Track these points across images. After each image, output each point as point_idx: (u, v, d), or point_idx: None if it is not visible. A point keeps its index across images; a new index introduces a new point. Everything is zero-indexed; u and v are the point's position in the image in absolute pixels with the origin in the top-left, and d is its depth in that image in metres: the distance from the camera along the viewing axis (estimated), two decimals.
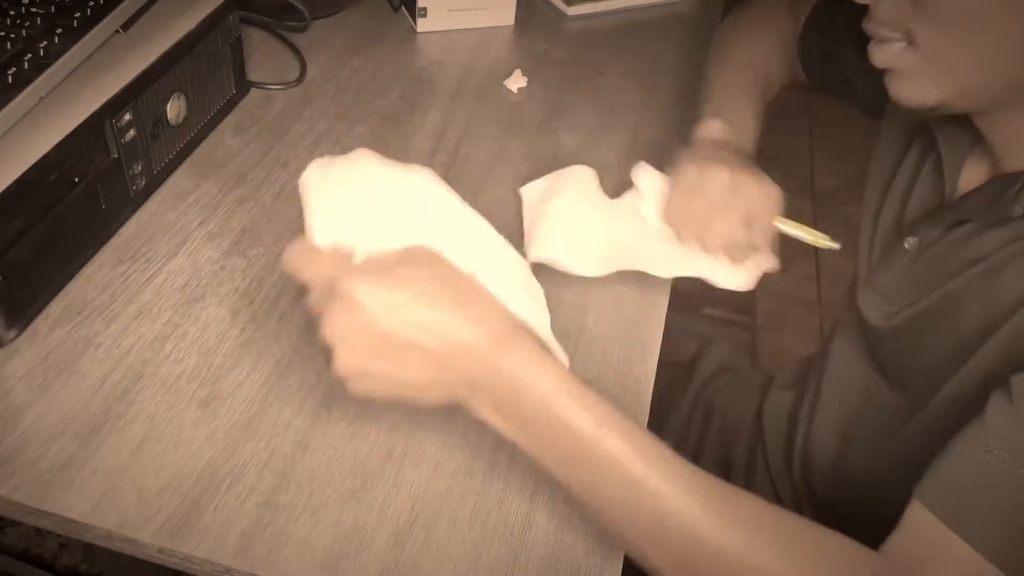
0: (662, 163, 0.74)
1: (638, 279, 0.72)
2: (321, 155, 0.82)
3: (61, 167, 0.63)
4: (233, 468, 0.57)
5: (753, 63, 0.83)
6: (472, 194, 0.80)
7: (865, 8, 0.57)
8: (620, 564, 0.55)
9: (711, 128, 0.76)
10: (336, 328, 0.48)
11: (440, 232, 0.52)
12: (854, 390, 0.74)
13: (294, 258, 0.51)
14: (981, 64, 0.53)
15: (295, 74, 0.93)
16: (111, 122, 0.67)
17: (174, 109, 0.76)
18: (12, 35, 0.65)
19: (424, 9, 1.02)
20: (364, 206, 0.52)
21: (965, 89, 0.55)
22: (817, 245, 0.70)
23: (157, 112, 0.73)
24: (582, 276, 0.71)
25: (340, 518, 0.55)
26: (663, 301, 0.72)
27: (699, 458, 0.85)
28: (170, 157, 0.78)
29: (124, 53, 0.71)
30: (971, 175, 0.63)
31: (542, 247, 0.71)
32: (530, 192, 0.77)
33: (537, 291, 0.57)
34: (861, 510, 0.57)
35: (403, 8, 1.06)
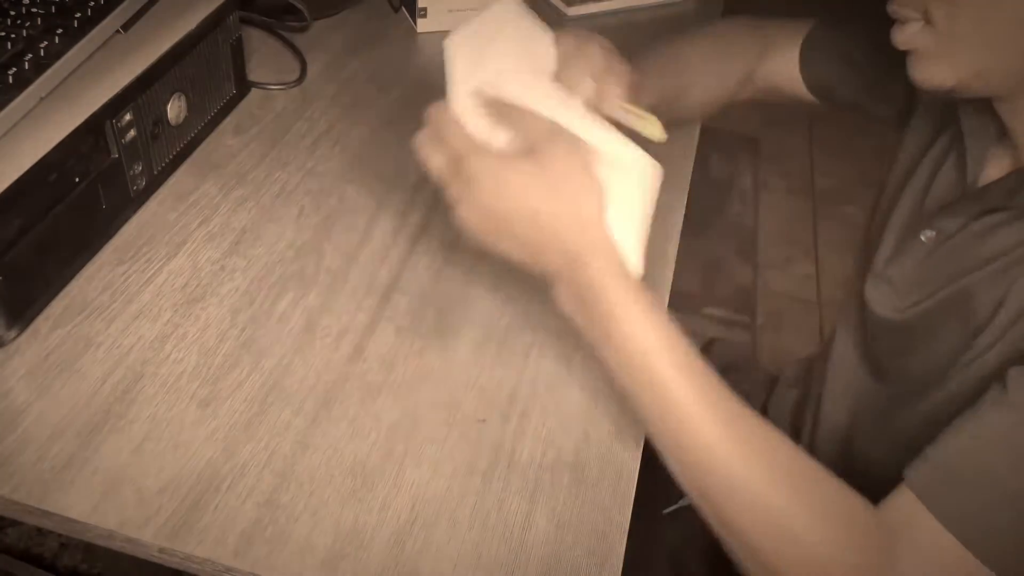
0: (662, 160, 0.73)
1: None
2: (321, 155, 0.83)
3: (61, 167, 0.63)
4: (233, 468, 0.57)
5: (678, 61, 0.82)
6: None
7: None
8: (620, 564, 0.55)
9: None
10: (460, 195, 0.54)
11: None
12: (856, 386, 0.74)
13: (435, 121, 0.56)
14: (997, 44, 0.54)
15: (295, 74, 0.93)
16: (111, 122, 0.67)
17: (174, 109, 0.76)
18: (12, 35, 0.65)
19: (424, 9, 1.02)
20: (505, 66, 0.55)
21: (982, 70, 0.55)
22: (644, 133, 0.60)
23: (157, 112, 0.74)
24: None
25: (340, 518, 0.55)
26: (663, 300, 0.72)
27: None
28: (170, 157, 0.78)
29: (124, 53, 0.71)
30: (994, 169, 0.62)
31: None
32: (459, 44, 0.60)
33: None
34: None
35: (403, 8, 1.06)
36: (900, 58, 0.76)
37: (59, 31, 0.66)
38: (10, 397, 0.59)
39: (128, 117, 0.69)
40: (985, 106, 0.61)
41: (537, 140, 0.53)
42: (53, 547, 1.27)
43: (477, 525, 0.56)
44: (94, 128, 0.66)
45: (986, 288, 0.58)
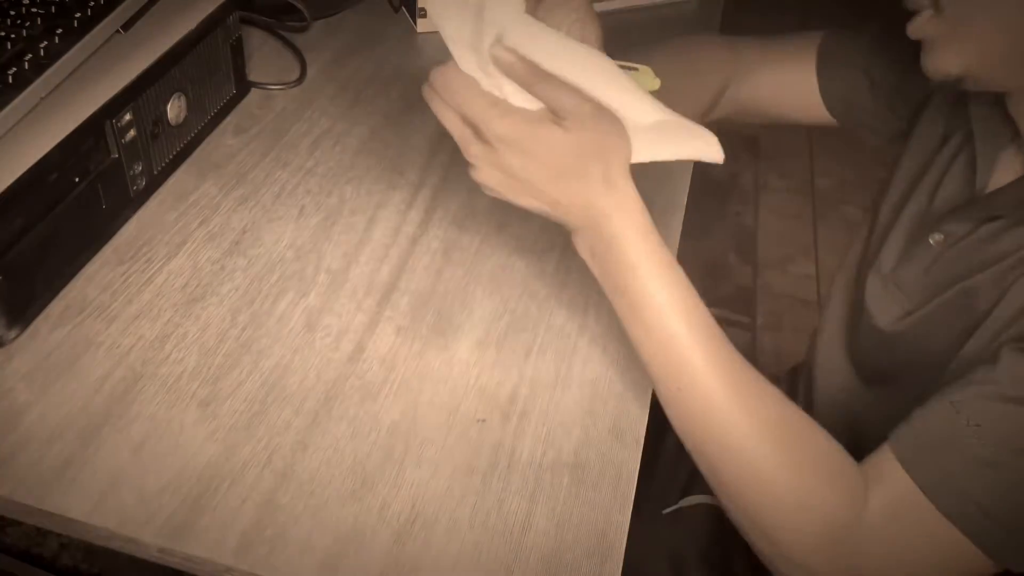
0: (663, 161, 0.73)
1: None
2: (321, 155, 0.83)
3: (61, 167, 0.63)
4: (233, 468, 0.57)
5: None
6: (471, 194, 0.80)
7: None
8: (620, 564, 0.55)
9: None
10: (483, 156, 0.53)
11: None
12: (848, 392, 0.74)
13: (445, 84, 0.53)
14: (1003, 32, 0.54)
15: (295, 74, 0.93)
16: (111, 122, 0.67)
17: (174, 109, 0.76)
18: (12, 35, 0.65)
19: (424, 9, 1.02)
20: (502, 19, 0.52)
21: (988, 59, 0.55)
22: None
23: (157, 112, 0.74)
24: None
25: (340, 518, 0.55)
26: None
27: None
28: (170, 157, 0.78)
29: (124, 53, 0.71)
30: (1004, 172, 0.62)
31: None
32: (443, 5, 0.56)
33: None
34: None
35: (403, 8, 1.06)
36: (909, 70, 0.76)
37: (59, 31, 0.66)
38: (10, 397, 0.59)
39: (128, 117, 0.69)
40: (997, 109, 0.61)
41: (561, 100, 0.52)
42: (53, 547, 1.27)
43: (477, 525, 0.56)
44: (94, 128, 0.66)
45: (987, 289, 0.58)
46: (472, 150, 0.53)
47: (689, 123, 0.54)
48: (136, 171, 0.72)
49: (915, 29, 0.58)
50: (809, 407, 0.78)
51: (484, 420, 0.62)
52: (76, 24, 0.67)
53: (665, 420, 0.57)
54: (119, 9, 0.71)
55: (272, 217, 0.76)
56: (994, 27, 0.54)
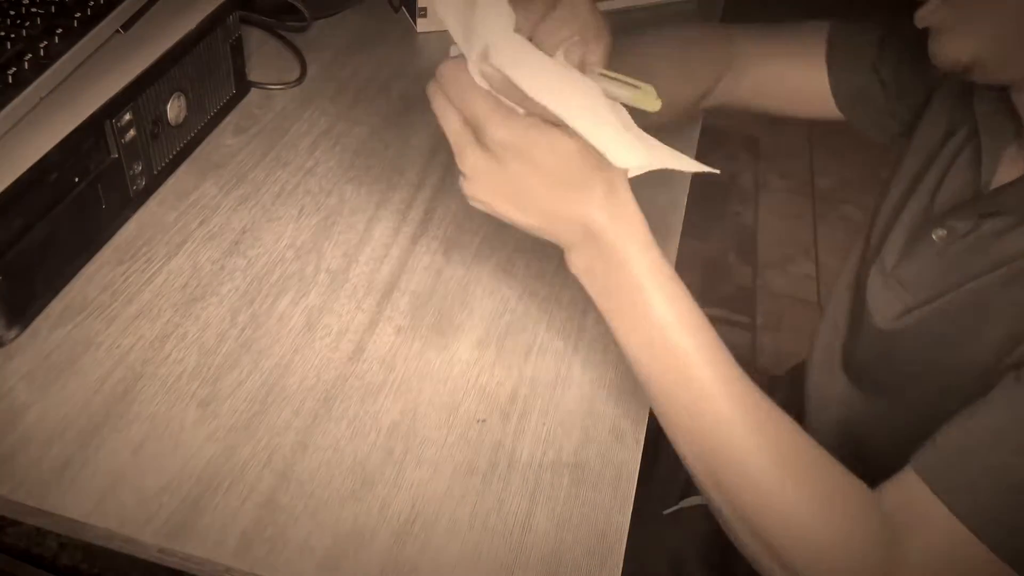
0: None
1: None
2: (321, 155, 0.83)
3: (61, 167, 0.63)
4: (233, 468, 0.57)
5: (644, 56, 0.76)
6: None
7: None
8: (620, 564, 0.55)
9: None
10: (478, 163, 0.51)
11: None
12: (837, 394, 0.74)
13: (454, 79, 0.50)
14: (1013, 19, 0.54)
15: (295, 74, 0.93)
16: (111, 122, 0.67)
17: (174, 109, 0.76)
18: (12, 35, 0.65)
19: (424, 9, 1.02)
20: (492, 31, 0.50)
21: (997, 47, 0.55)
22: (635, 103, 0.55)
23: (157, 112, 0.73)
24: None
25: (340, 518, 0.55)
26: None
27: None
28: (170, 157, 0.78)
29: (124, 53, 0.71)
30: (1009, 168, 0.62)
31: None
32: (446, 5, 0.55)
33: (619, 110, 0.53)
34: None
35: (403, 8, 1.06)
36: (915, 67, 0.75)
37: (59, 31, 0.66)
38: (10, 397, 0.59)
39: (128, 117, 0.69)
40: (1001, 104, 0.61)
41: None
42: (52, 547, 1.27)
43: (477, 525, 0.56)
44: (94, 128, 0.66)
45: (997, 293, 0.58)
46: (468, 156, 0.51)
47: (671, 153, 0.51)
48: (136, 171, 0.72)
49: (923, 16, 0.57)
50: (803, 412, 0.78)
51: (484, 420, 0.62)
52: (76, 24, 0.67)
53: None
54: (119, 9, 0.71)
55: (272, 217, 0.76)
56: (1004, 14, 0.54)
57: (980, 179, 0.63)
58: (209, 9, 0.78)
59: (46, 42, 0.65)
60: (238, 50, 0.85)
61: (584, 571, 0.54)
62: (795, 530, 0.51)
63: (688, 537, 0.81)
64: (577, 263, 0.53)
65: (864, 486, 0.52)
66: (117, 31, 0.72)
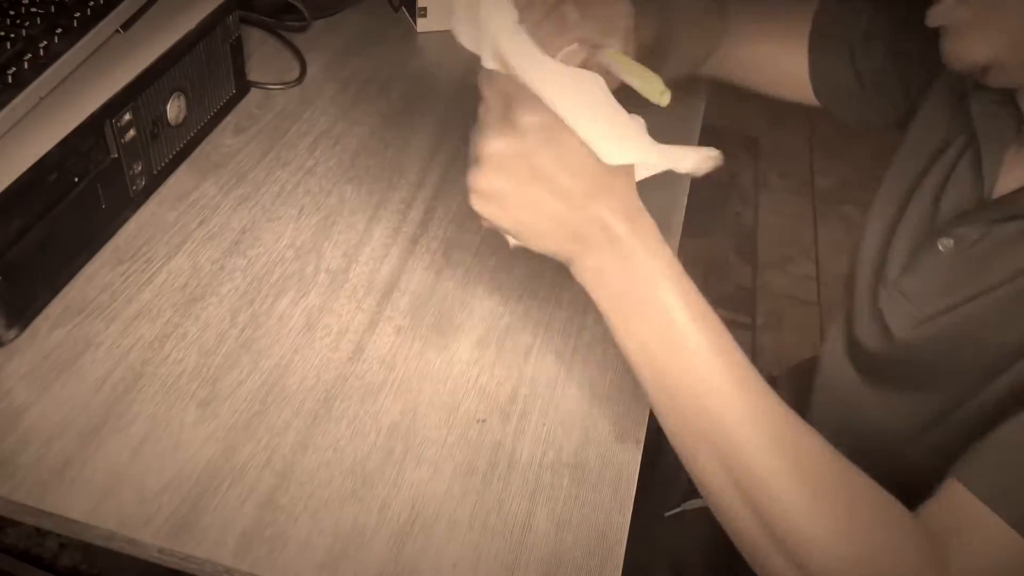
0: None
1: None
2: (321, 155, 0.83)
3: (61, 167, 0.63)
4: (233, 468, 0.57)
5: (667, 9, 0.74)
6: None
7: None
8: (620, 565, 0.55)
9: None
10: (493, 146, 0.49)
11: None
12: (845, 396, 0.73)
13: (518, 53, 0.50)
14: None
15: (295, 74, 0.93)
16: (111, 122, 0.67)
17: (174, 109, 0.76)
18: (12, 35, 0.65)
19: (424, 9, 1.02)
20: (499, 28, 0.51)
21: (1014, 44, 0.53)
22: (644, 93, 0.55)
23: (157, 112, 0.73)
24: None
25: (340, 518, 0.55)
26: None
27: None
28: (170, 157, 0.78)
29: (124, 53, 0.71)
30: (1012, 172, 0.61)
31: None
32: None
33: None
34: None
35: (403, 8, 1.06)
36: (904, 56, 0.75)
37: (58, 31, 0.66)
38: (10, 397, 0.59)
39: (127, 117, 0.69)
40: (1002, 107, 0.60)
41: None
42: (53, 547, 1.27)
43: (477, 525, 0.56)
44: (94, 128, 0.66)
45: (1019, 302, 0.57)
46: (494, 135, 0.49)
47: (673, 154, 0.52)
48: (136, 171, 0.72)
49: (939, 14, 0.55)
50: (808, 400, 0.78)
51: (484, 420, 0.62)
52: (76, 24, 0.67)
53: None
54: (119, 9, 0.71)
55: (272, 217, 0.76)
56: None
57: (983, 185, 0.62)
58: (209, 9, 0.78)
59: (46, 42, 0.65)
60: (238, 50, 0.85)
61: (584, 572, 0.54)
62: (837, 553, 0.48)
63: (690, 540, 0.81)
64: (588, 264, 0.51)
65: (899, 504, 0.50)
66: (117, 31, 0.72)
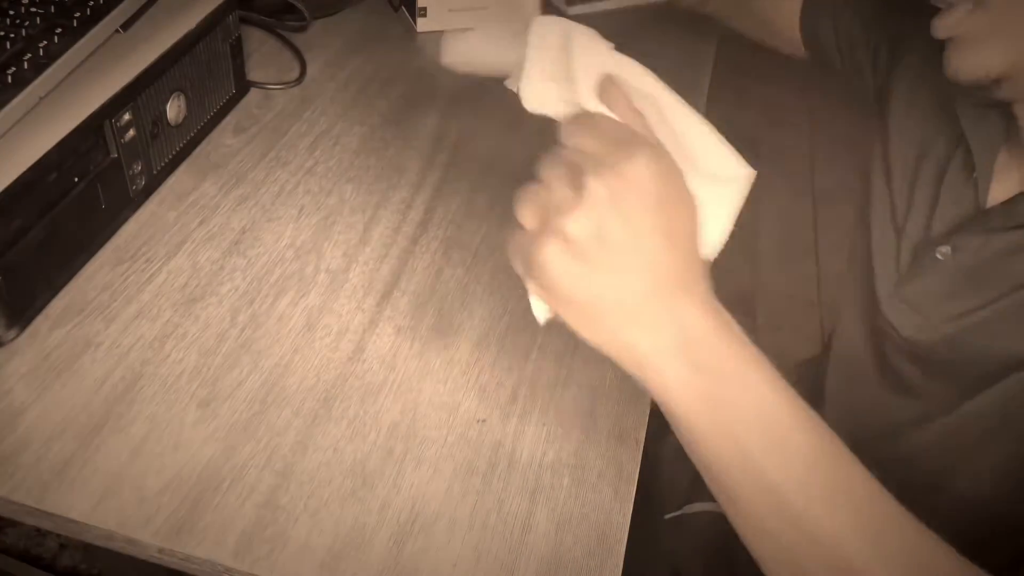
0: None
1: None
2: (321, 155, 0.83)
3: (61, 167, 0.63)
4: (233, 468, 0.57)
5: None
6: (472, 193, 0.80)
7: None
8: (620, 566, 0.55)
9: None
10: (597, 191, 0.41)
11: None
12: (858, 394, 0.73)
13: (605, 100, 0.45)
14: None
15: (295, 74, 0.93)
16: (111, 122, 0.67)
17: (174, 109, 0.76)
18: (12, 35, 0.65)
19: (424, 9, 1.02)
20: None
21: None
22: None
23: (157, 112, 0.73)
24: None
25: (340, 518, 0.55)
26: None
27: None
28: (170, 157, 0.78)
29: (124, 53, 0.71)
30: (1003, 178, 0.60)
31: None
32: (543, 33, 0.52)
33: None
34: None
35: (403, 8, 1.06)
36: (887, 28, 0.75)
37: (58, 31, 0.66)
38: (10, 397, 0.59)
39: (127, 117, 0.69)
40: (988, 110, 0.59)
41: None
42: (52, 547, 1.27)
43: (477, 525, 0.56)
44: (93, 128, 0.66)
45: (1019, 316, 0.56)
46: (596, 180, 0.41)
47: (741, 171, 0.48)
48: (135, 171, 0.72)
49: (948, 26, 0.54)
50: (819, 399, 0.77)
51: (484, 420, 0.62)
52: (75, 24, 0.67)
53: (666, 423, 0.52)
54: (118, 9, 0.71)
55: (272, 217, 0.76)
56: None
57: (977, 192, 0.61)
58: (209, 9, 0.78)
59: (45, 42, 0.65)
60: (238, 50, 0.85)
61: (584, 572, 0.54)
62: None
63: (690, 544, 0.81)
64: (664, 368, 0.44)
65: None
66: (116, 31, 0.72)
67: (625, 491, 0.59)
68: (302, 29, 0.99)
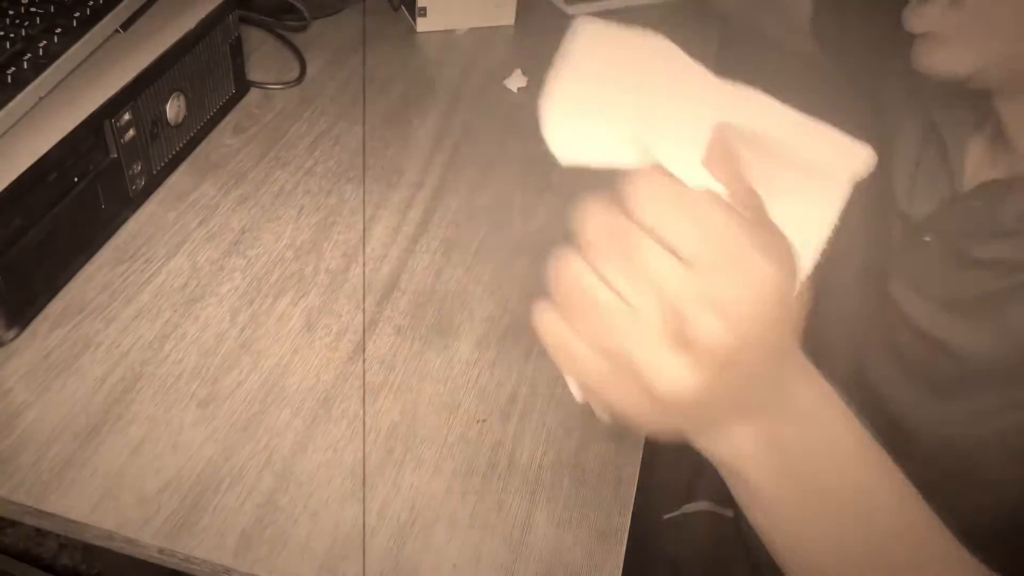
0: None
1: None
2: (321, 155, 0.83)
3: (61, 167, 0.63)
4: (233, 468, 0.57)
5: None
6: (472, 193, 0.80)
7: None
8: (620, 566, 0.55)
9: None
10: (706, 349, 0.34)
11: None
12: (874, 388, 0.73)
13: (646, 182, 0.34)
14: None
15: (295, 74, 0.93)
16: (110, 122, 0.67)
17: (174, 109, 0.76)
18: (12, 35, 0.65)
19: (424, 9, 1.02)
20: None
21: (1005, 56, 0.51)
22: None
23: (157, 112, 0.73)
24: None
25: (340, 519, 0.55)
26: None
27: (702, 461, 0.84)
28: (170, 157, 0.77)
29: (124, 53, 0.71)
30: (976, 161, 0.60)
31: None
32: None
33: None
34: None
35: (403, 8, 1.06)
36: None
37: (58, 30, 0.66)
38: (9, 397, 0.59)
39: (127, 117, 0.69)
40: (959, 99, 0.58)
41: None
42: (52, 548, 1.27)
43: (477, 525, 0.56)
44: (93, 128, 0.66)
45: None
46: (703, 340, 0.33)
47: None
48: (135, 171, 0.72)
49: (923, 22, 0.52)
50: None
51: (484, 420, 0.62)
52: (75, 23, 0.67)
53: None
54: (118, 8, 0.71)
55: (271, 217, 0.76)
56: (1019, 24, 0.49)
57: (953, 178, 0.61)
58: (208, 9, 0.78)
59: (45, 42, 0.65)
60: (237, 50, 0.85)
61: (584, 572, 0.54)
62: None
63: (689, 544, 0.81)
64: (745, 443, 0.40)
65: None
66: (116, 31, 0.72)
67: (625, 492, 0.59)
68: (302, 29, 0.99)
